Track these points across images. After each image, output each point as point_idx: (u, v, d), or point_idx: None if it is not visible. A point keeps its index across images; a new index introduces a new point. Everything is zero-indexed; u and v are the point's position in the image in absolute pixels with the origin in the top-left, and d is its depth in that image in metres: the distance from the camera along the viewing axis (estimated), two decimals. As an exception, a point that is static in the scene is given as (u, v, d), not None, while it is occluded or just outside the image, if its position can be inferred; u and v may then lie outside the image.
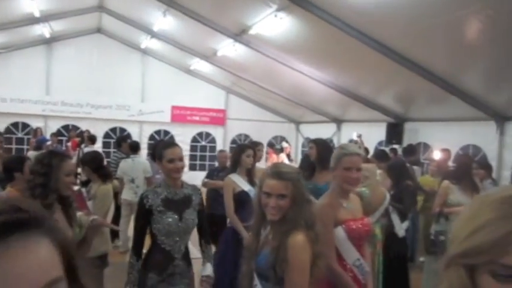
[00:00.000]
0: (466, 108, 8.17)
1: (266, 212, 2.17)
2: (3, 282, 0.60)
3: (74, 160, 9.97)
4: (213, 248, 3.71)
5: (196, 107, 14.95)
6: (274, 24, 7.84)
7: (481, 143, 8.79)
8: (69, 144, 11.71)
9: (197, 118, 15.08)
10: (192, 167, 14.37)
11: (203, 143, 15.27)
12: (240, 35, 9.21)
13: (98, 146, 11.72)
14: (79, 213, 3.07)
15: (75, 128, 13.34)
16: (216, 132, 15.42)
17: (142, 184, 6.98)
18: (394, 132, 10.58)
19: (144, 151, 12.97)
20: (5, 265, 0.60)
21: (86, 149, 8.91)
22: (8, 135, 12.75)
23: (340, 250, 2.59)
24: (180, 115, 14.84)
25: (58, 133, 12.96)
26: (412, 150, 8.29)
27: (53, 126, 13.63)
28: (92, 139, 9.66)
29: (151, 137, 14.52)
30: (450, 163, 7.75)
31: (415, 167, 7.63)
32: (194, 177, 8.57)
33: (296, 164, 8.98)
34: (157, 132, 14.77)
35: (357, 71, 9.21)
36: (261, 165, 7.27)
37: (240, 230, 4.14)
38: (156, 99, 14.55)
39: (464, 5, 5.55)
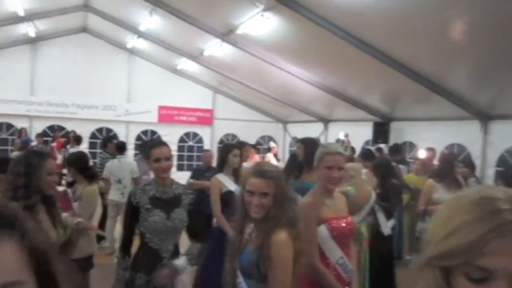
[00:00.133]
0: (451, 107, 8.28)
1: (249, 210, 2.19)
2: None
3: (60, 161, 9.92)
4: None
5: (183, 107, 14.89)
6: (261, 24, 7.85)
7: (465, 141, 8.91)
8: (54, 144, 11.59)
9: (184, 118, 15.02)
10: (180, 167, 14.31)
11: (190, 143, 15.22)
12: (227, 34, 9.20)
13: (84, 147, 11.62)
14: (64, 214, 3.05)
15: (61, 128, 13.20)
16: (204, 132, 15.37)
17: (130, 184, 6.93)
18: (381, 131, 10.67)
19: (130, 151, 12.92)
20: None
21: (72, 150, 8.83)
22: (-8, 136, 12.58)
23: (323, 248, 2.61)
24: (167, 115, 14.76)
25: (43, 134, 12.80)
26: (397, 149, 8.37)
27: (38, 127, 13.45)
28: (78, 140, 9.58)
29: (138, 138, 14.43)
30: (435, 162, 7.85)
31: (401, 166, 7.72)
32: (182, 178, 8.51)
33: (283, 164, 9.00)
34: (144, 132, 14.68)
35: (344, 71, 9.27)
36: (249, 165, 7.28)
37: (227, 230, 4.14)
38: (142, 99, 14.46)
39: (449, 6, 5.62)
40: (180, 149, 14.97)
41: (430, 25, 6.10)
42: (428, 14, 5.86)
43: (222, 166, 4.50)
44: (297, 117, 14.46)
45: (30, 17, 11.08)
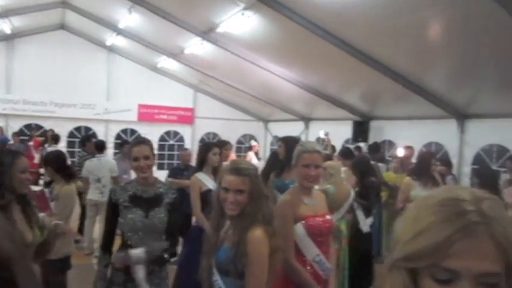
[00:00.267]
0: (429, 106, 8.41)
1: (225, 207, 2.21)
2: None
3: (37, 160, 9.74)
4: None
5: (163, 105, 14.78)
6: (242, 23, 7.84)
7: (442, 140, 9.07)
8: (31, 143, 11.37)
9: (165, 117, 14.91)
10: (160, 166, 14.19)
11: (171, 142, 15.12)
12: (207, 33, 9.16)
13: (62, 146, 11.44)
14: (41, 214, 2.99)
15: (38, 127, 12.95)
16: (184, 131, 15.29)
17: (109, 184, 6.85)
18: (360, 130, 10.79)
19: (110, 150, 12.77)
20: None
21: (49, 149, 8.68)
22: (-34, 135, 12.25)
23: (299, 246, 2.62)
24: (147, 114, 14.64)
25: (20, 132, 12.55)
26: (376, 148, 8.48)
27: (15, 126, 13.17)
28: (55, 138, 9.42)
29: (118, 136, 14.24)
30: (413, 160, 7.97)
31: (380, 164, 7.81)
32: (162, 177, 8.44)
33: (265, 162, 9.02)
34: (124, 131, 14.52)
35: (324, 69, 9.33)
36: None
37: (207, 228, 4.13)
38: (122, 97, 14.30)
39: (427, 7, 5.71)
40: (161, 148, 14.86)
41: (409, 25, 6.19)
42: (406, 13, 5.94)
43: (201, 165, 4.49)
44: (278, 116, 14.51)
45: (5, 13, 10.83)
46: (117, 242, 3.04)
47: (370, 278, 4.98)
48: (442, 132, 8.96)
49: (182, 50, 11.10)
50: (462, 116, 8.48)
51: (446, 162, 7.48)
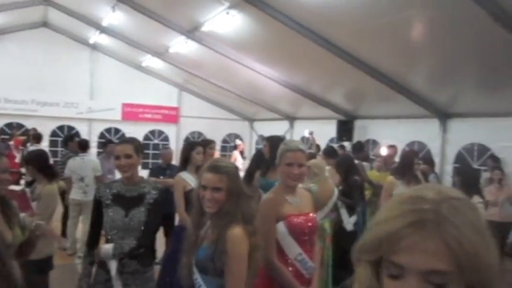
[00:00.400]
0: (412, 106, 8.52)
1: (203, 205, 2.22)
2: None
3: (18, 159, 9.59)
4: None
5: (148, 104, 14.69)
6: (227, 22, 7.83)
7: (425, 139, 9.20)
8: (12, 143, 11.18)
9: (149, 116, 14.83)
10: (145, 166, 14.06)
11: (156, 141, 15.03)
12: (192, 31, 9.13)
13: (45, 145, 11.29)
14: (22, 215, 2.95)
15: (20, 126, 12.75)
16: (169, 130, 15.22)
17: (92, 183, 6.78)
18: (345, 129, 10.87)
19: (93, 150, 12.64)
20: None
21: (31, 148, 8.54)
22: None
23: (281, 245, 2.62)
24: (131, 113, 14.53)
25: (1, 131, 12.35)
26: (360, 147, 8.55)
27: (-4, 125, 12.98)
28: (37, 138, 9.27)
29: (102, 135, 14.12)
30: (396, 159, 8.06)
31: (364, 163, 7.87)
32: (145, 176, 8.41)
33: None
34: (108, 130, 14.39)
35: (309, 69, 9.38)
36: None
37: (188, 227, 4.11)
38: (106, 96, 14.16)
39: (409, 7, 5.78)
40: (145, 147, 14.74)
41: (392, 26, 6.25)
42: (388, 14, 6.00)
43: (185, 164, 4.47)
44: (264, 115, 14.54)
45: (-14, 10, 10.66)
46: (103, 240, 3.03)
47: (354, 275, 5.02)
48: (425, 131, 9.08)
49: (167, 48, 11.04)
50: (444, 116, 8.61)
51: (429, 161, 7.59)
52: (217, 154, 10.70)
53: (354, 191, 5.05)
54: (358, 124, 10.89)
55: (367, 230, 0.82)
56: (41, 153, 4.71)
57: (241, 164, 11.02)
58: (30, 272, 3.10)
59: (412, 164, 5.49)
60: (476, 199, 4.65)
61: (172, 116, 15.14)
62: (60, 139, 12.27)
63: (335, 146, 9.34)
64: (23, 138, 10.97)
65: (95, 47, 13.86)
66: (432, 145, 9.00)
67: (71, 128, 13.76)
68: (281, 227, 2.61)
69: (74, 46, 13.72)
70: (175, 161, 7.48)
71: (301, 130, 11.45)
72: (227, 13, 7.51)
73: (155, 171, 6.50)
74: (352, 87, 9.70)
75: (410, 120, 9.29)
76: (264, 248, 2.34)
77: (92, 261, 2.94)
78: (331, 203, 4.37)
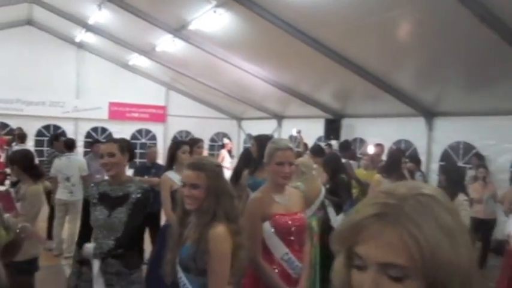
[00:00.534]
0: (398, 105, 8.60)
1: (184, 202, 2.24)
2: None
3: (3, 159, 9.45)
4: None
5: (135, 103, 14.58)
6: (214, 20, 7.81)
7: (412, 137, 9.29)
8: (-3, 142, 11.02)
9: (136, 115, 14.73)
10: (132, 165, 13.99)
11: (143, 140, 14.92)
12: (179, 30, 9.09)
13: (30, 145, 11.16)
14: (7, 215, 2.92)
15: (4, 125, 12.55)
16: (157, 129, 15.14)
17: (79, 183, 6.72)
18: (332, 128, 10.92)
19: (80, 149, 12.52)
20: None
21: (16, 148, 8.43)
22: None
23: (268, 244, 2.61)
24: (118, 112, 14.41)
25: (-15, 131, 12.14)
26: (347, 146, 8.60)
27: (-21, 124, 12.75)
28: (22, 137, 9.14)
29: (88, 135, 13.99)
30: (383, 157, 8.12)
31: (351, 162, 7.92)
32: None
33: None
34: (95, 129, 14.26)
35: (296, 68, 9.40)
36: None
37: (173, 224, 4.09)
38: (92, 95, 14.02)
39: (395, 6, 5.82)
40: (132, 146, 14.63)
41: (379, 25, 6.30)
42: (375, 13, 6.05)
43: (171, 163, 4.44)
44: (251, 114, 14.54)
45: (-31, 7, 10.48)
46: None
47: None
48: (411, 130, 9.17)
49: (153, 47, 10.98)
50: (430, 114, 8.70)
51: (415, 159, 7.66)
52: (205, 153, 10.69)
53: (341, 189, 5.07)
54: (345, 123, 10.95)
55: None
56: (26, 153, 4.64)
57: (229, 162, 11.00)
58: (15, 273, 3.07)
59: (399, 162, 5.54)
60: (461, 197, 4.70)
61: (159, 115, 15.07)
62: (45, 139, 12.13)
63: (322, 144, 9.38)
64: (7, 137, 10.81)
65: (81, 46, 13.72)
66: (418, 143, 9.09)
67: (56, 128, 13.60)
68: (267, 226, 2.59)
69: (60, 44, 13.56)
70: (163, 160, 7.45)
71: (289, 129, 11.48)
72: (214, 12, 7.49)
73: (140, 170, 6.46)
74: (339, 86, 9.75)
75: (397, 119, 9.37)
76: (249, 247, 2.34)
77: (81, 260, 2.93)
78: (318, 202, 4.38)
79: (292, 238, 2.66)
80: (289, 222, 2.64)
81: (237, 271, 2.22)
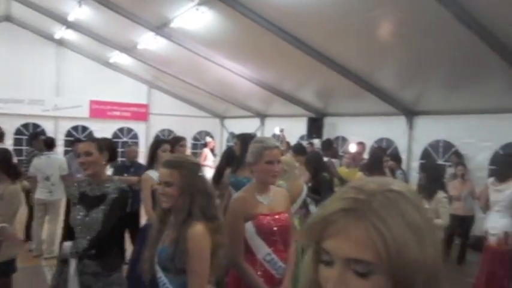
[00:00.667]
0: (380, 103, 8.69)
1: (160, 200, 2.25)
2: None
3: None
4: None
5: (116, 101, 14.42)
6: (196, 18, 7.77)
7: (393, 136, 9.40)
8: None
9: (118, 113, 14.56)
10: (114, 164, 13.84)
11: (125, 139, 14.75)
12: (161, 28, 9.01)
13: (9, 144, 10.92)
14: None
15: (-19, 124, 12.29)
16: (139, 127, 15.00)
17: (59, 182, 6.61)
18: (315, 126, 10.98)
19: (60, 148, 12.33)
20: None
21: (-7, 147, 8.25)
22: None
23: (250, 244, 2.58)
24: (99, 110, 14.24)
25: (-39, 130, 11.85)
26: (329, 144, 8.66)
27: (-45, 122, 12.45)
28: (0, 136, 8.95)
29: (69, 133, 13.80)
30: (365, 155, 8.21)
31: (333, 160, 7.98)
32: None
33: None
34: (75, 128, 14.06)
35: (279, 67, 9.42)
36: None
37: (154, 223, 4.07)
38: (73, 93, 13.82)
39: (377, 6, 5.88)
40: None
41: (361, 25, 6.35)
42: (357, 13, 6.10)
43: (152, 162, 4.41)
44: (234, 113, 14.52)
45: None
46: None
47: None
48: (392, 129, 9.28)
49: (135, 44, 10.87)
50: (410, 113, 8.82)
51: (396, 157, 7.76)
52: (188, 152, 10.64)
53: (323, 187, 5.09)
54: (327, 121, 11.02)
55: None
56: (4, 152, 4.55)
57: (211, 161, 10.98)
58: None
59: (381, 160, 5.61)
60: (440, 194, 4.78)
61: (141, 113, 14.93)
62: (25, 137, 11.92)
63: (304, 143, 9.42)
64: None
65: (61, 43, 13.50)
66: (399, 142, 9.20)
67: (36, 126, 13.37)
68: (249, 226, 2.57)
69: (39, 41, 13.33)
70: (145, 158, 7.39)
71: (272, 127, 11.53)
72: (197, 9, 7.46)
73: (119, 169, 6.38)
74: (322, 85, 9.80)
75: (379, 117, 9.47)
76: (230, 246, 2.33)
77: (63, 259, 2.91)
78: (300, 200, 4.39)
79: (275, 238, 2.63)
80: (272, 222, 2.61)
81: (217, 269, 2.21)
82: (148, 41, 10.05)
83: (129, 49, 11.63)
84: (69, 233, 2.98)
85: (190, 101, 15.01)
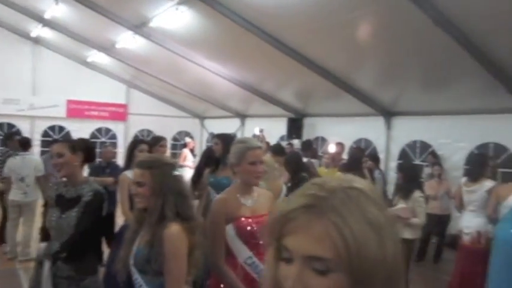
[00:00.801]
0: (358, 104, 8.78)
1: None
2: None
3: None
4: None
5: (94, 101, 14.21)
6: (176, 18, 7.71)
7: (371, 136, 9.50)
8: None
9: (96, 113, 14.35)
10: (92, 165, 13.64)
11: (103, 139, 14.56)
12: (140, 27, 8.91)
13: (-18, 144, 10.67)
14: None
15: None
16: (117, 127, 14.80)
17: (33, 183, 6.47)
18: (295, 127, 11.03)
19: (36, 148, 12.10)
20: None
21: (-34, 147, 8.05)
22: None
23: (231, 247, 2.54)
24: (76, 110, 14.00)
25: None
26: (309, 145, 8.72)
27: None
28: (-27, 136, 8.74)
29: (45, 134, 13.54)
30: (344, 155, 8.28)
31: (313, 160, 8.03)
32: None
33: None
34: (52, 128, 13.79)
35: (259, 67, 9.43)
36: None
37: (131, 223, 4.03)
38: (49, 92, 13.54)
39: (356, 8, 5.93)
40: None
41: (338, 25, 6.40)
42: (336, 14, 6.15)
43: (129, 162, 4.36)
44: (214, 113, 14.47)
45: None
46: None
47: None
48: (371, 129, 9.38)
49: (113, 43, 10.73)
50: (389, 114, 8.93)
51: (374, 157, 7.84)
52: (168, 152, 10.56)
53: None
54: (307, 122, 11.08)
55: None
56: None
57: (191, 161, 10.92)
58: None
59: (360, 161, 5.68)
60: (417, 193, 4.86)
61: (120, 113, 14.75)
62: (-1, 138, 11.65)
63: (284, 143, 9.45)
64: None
65: (37, 41, 13.23)
66: (378, 142, 9.31)
67: (11, 126, 13.06)
68: (230, 229, 2.52)
69: (15, 39, 13.03)
70: (123, 159, 7.31)
71: (252, 127, 11.52)
72: (176, 9, 7.40)
73: (95, 170, 6.29)
74: (302, 85, 9.85)
75: (357, 118, 9.56)
76: (211, 249, 2.31)
77: (40, 260, 2.88)
78: (279, 201, 4.40)
79: (257, 241, 2.58)
80: (254, 225, 2.56)
81: (194, 270, 2.20)
82: (127, 40, 9.94)
83: (107, 48, 11.47)
84: (47, 235, 2.95)
85: (170, 101, 14.90)
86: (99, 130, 14.57)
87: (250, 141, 2.73)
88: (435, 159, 7.77)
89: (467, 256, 5.16)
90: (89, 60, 13.38)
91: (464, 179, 5.44)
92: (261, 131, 10.41)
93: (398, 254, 0.76)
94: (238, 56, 9.10)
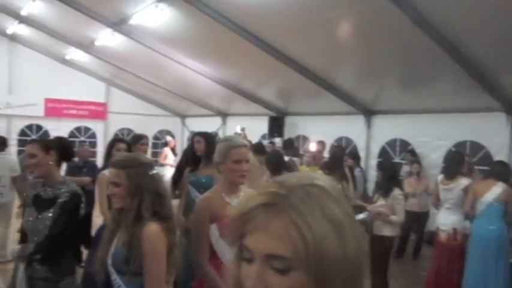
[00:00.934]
0: (339, 103, 8.84)
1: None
2: None
3: None
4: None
5: (73, 99, 13.98)
6: (156, 15, 7.63)
7: (352, 135, 9.58)
8: None
9: (74, 112, 14.10)
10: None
11: (82, 138, 14.32)
12: (119, 24, 8.78)
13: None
14: None
15: None
16: (96, 126, 14.58)
17: (9, 184, 6.32)
18: (276, 125, 11.05)
19: (13, 148, 11.85)
20: None
21: None
22: None
23: (215, 248, 2.50)
24: (54, 108, 13.74)
25: None
26: (290, 143, 8.74)
27: None
28: None
29: (23, 133, 13.26)
30: (325, 154, 8.33)
31: (294, 159, 8.06)
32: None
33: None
34: (29, 127, 13.50)
35: (240, 65, 9.40)
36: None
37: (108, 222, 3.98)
38: (26, 91, 13.24)
39: (336, 8, 5.96)
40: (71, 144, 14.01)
41: (319, 24, 6.42)
42: (317, 13, 6.16)
43: (107, 161, 4.30)
44: (195, 111, 14.39)
45: None
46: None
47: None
48: (351, 128, 9.46)
49: (92, 41, 10.55)
50: (369, 112, 9.02)
51: (355, 156, 7.92)
52: (149, 151, 10.45)
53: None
54: (288, 120, 11.11)
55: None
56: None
57: (172, 160, 10.85)
58: None
59: (341, 159, 5.72)
60: (396, 191, 4.91)
61: (99, 112, 14.53)
62: (-26, 137, 11.33)
63: (266, 142, 9.46)
64: None
65: (13, 38, 12.93)
66: (358, 141, 9.39)
67: (-14, 125, 12.77)
68: (213, 229, 2.48)
69: (-10, 37, 12.75)
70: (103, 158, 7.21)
71: (234, 126, 11.49)
72: (156, 6, 7.32)
73: (71, 170, 6.19)
74: (283, 84, 9.86)
75: (338, 116, 9.63)
76: (195, 248, 2.28)
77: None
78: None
79: None
80: None
81: (173, 269, 2.19)
82: (106, 38, 9.79)
83: (86, 46, 11.28)
84: (25, 236, 2.89)
85: (151, 99, 14.75)
86: (78, 129, 14.33)
87: (235, 139, 2.69)
88: (414, 157, 7.88)
89: (444, 253, 5.25)
90: (67, 57, 13.14)
91: (440, 177, 5.52)
92: (243, 129, 10.40)
93: (361, 252, 0.75)
94: (219, 54, 9.06)
